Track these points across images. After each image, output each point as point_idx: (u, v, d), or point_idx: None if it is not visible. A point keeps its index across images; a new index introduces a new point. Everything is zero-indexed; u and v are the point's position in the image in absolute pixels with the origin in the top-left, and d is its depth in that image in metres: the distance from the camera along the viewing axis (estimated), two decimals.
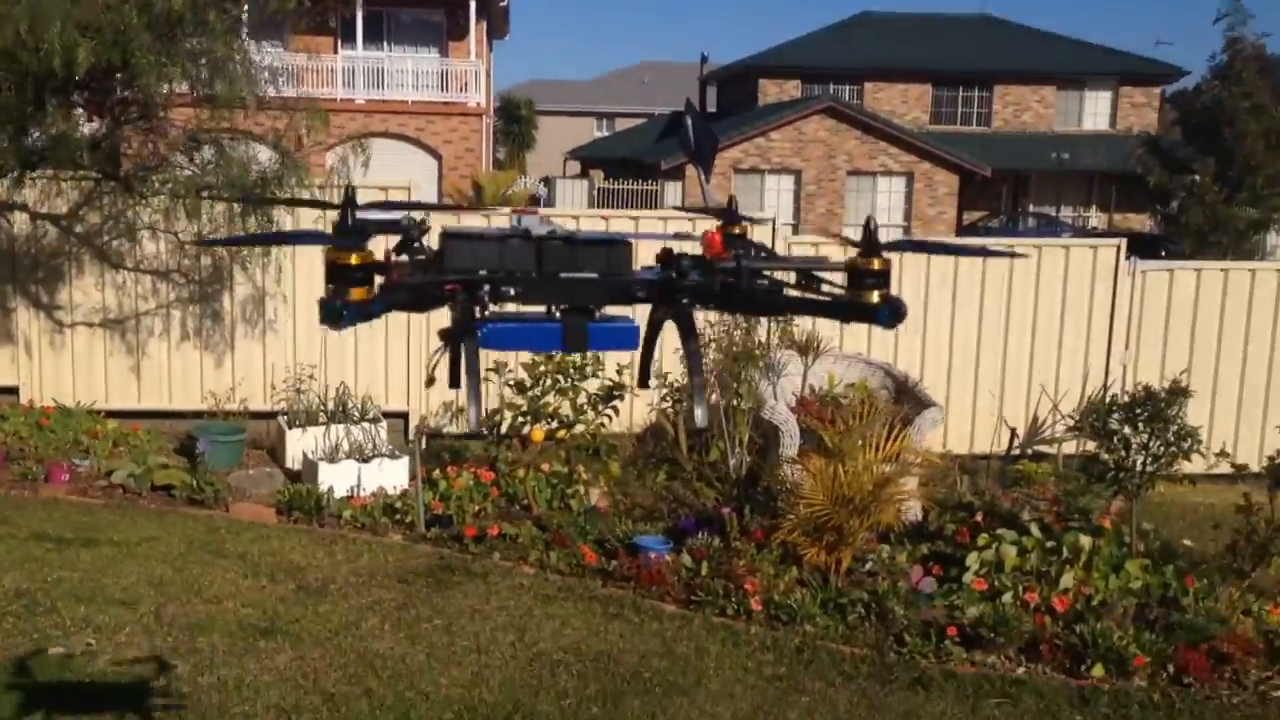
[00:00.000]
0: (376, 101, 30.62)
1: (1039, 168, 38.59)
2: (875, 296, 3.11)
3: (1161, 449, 7.36)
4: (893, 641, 6.78)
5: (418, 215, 3.75)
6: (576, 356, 9.52)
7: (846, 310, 3.23)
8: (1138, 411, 7.43)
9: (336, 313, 3.20)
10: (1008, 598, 7.13)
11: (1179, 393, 7.40)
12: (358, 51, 30.27)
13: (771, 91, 40.42)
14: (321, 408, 10.53)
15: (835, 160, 35.06)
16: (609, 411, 9.32)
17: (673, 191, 35.33)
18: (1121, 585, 7.27)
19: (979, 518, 8.09)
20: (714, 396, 10.70)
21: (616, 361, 9.44)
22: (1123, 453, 7.53)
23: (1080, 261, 11.44)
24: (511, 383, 9.45)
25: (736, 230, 4.02)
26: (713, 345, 10.94)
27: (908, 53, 40.14)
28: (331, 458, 9.67)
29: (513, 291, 3.56)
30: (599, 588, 7.49)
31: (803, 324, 9.85)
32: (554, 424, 9.18)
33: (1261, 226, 28.98)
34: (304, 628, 6.66)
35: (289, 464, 10.18)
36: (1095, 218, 39.56)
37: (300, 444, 10.12)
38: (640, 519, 8.71)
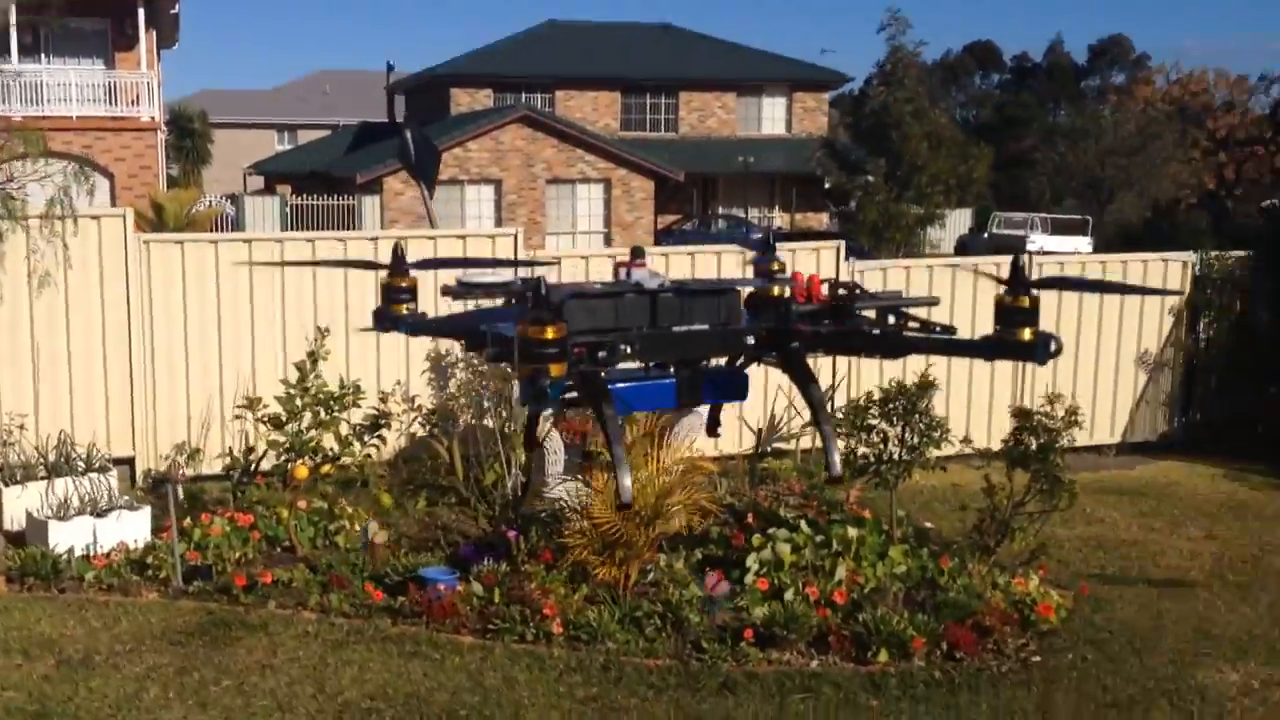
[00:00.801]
0: (34, 118, 28.31)
1: (726, 171, 40.36)
2: (1027, 334, 3.13)
3: (915, 439, 7.93)
4: (691, 650, 6.98)
5: (523, 271, 3.51)
6: (335, 386, 9.24)
7: (996, 349, 3.23)
8: (892, 406, 7.97)
9: (543, 393, 2.91)
10: (790, 594, 7.46)
11: (927, 386, 7.99)
12: (11, 64, 27.82)
13: (464, 101, 40.34)
14: (40, 459, 9.71)
15: (534, 169, 35.39)
16: (375, 441, 9.09)
17: (370, 206, 34.63)
18: (887, 571, 7.77)
19: (750, 519, 8.43)
20: (464, 419, 10.64)
21: (380, 390, 9.22)
22: (881, 446, 8.05)
23: (805, 262, 12.09)
24: (266, 419, 9.06)
25: (775, 266, 3.99)
26: (460, 365, 10.90)
27: (596, 61, 41.06)
28: (61, 514, 8.92)
29: (629, 350, 3.36)
30: (389, 627, 7.30)
31: None
32: (319, 458, 8.86)
33: (927, 222, 31.51)
34: (81, 707, 6.16)
35: (8, 525, 9.33)
36: (779, 218, 41.76)
37: (21, 501, 9.28)
38: (413, 550, 8.54)
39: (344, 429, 9.10)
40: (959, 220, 39.56)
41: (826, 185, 35.39)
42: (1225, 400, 12.91)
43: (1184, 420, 12.96)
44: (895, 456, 8.05)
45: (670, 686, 6.52)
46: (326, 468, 8.92)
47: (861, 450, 8.19)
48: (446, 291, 3.76)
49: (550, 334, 2.69)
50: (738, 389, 3.59)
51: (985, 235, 38.08)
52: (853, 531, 7.97)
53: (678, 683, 6.57)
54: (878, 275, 12.34)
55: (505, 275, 3.49)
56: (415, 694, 6.41)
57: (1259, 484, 11.26)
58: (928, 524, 9.06)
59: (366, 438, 9.15)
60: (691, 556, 8.27)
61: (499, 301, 3.79)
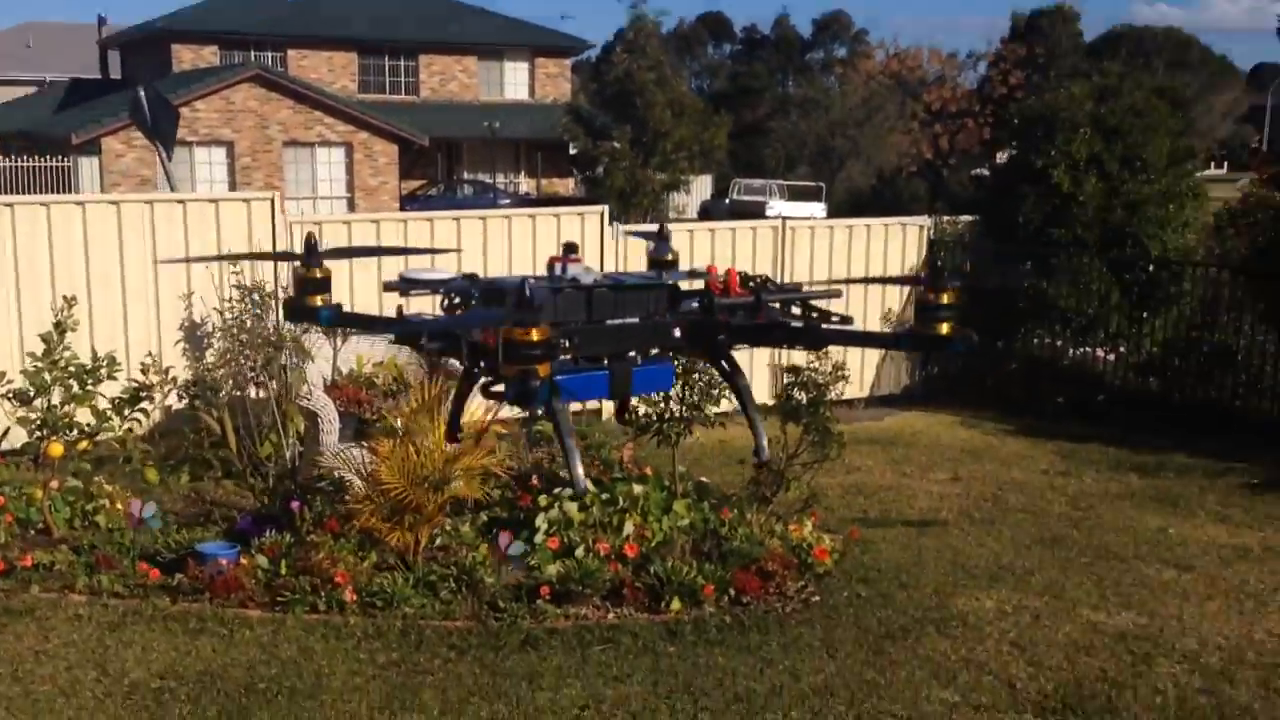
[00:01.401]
0: None
1: (470, 136, 39.98)
2: (945, 328, 3.27)
3: (695, 397, 8.19)
4: (488, 610, 7.03)
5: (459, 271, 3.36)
6: (87, 359, 8.72)
7: (915, 342, 3.38)
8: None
9: (533, 393, 2.80)
10: (581, 552, 7.61)
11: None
12: None
13: (186, 58, 38.34)
14: None
15: (269, 130, 34.06)
16: (137, 415, 8.65)
17: (89, 169, 32.52)
18: (673, 525, 8.03)
19: (534, 481, 8.52)
20: (226, 390, 10.25)
21: (140, 361, 8.76)
22: (663, 404, 8.28)
23: (570, 227, 12.22)
24: (11, 395, 8.45)
25: (669, 258, 4.01)
26: (219, 334, 10.48)
27: (330, 20, 39.76)
28: None
29: (568, 344, 3.30)
30: (169, 605, 7.00)
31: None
32: (74, 435, 8.35)
33: (672, 187, 32.35)
34: None
35: None
36: (525, 183, 41.79)
37: None
38: (185, 526, 8.20)
39: (101, 403, 8.60)
40: (701, 187, 40.67)
41: (572, 151, 35.67)
42: (959, 355, 13.89)
43: (924, 374, 13.88)
44: (677, 414, 8.29)
45: (472, 646, 6.55)
46: (83, 444, 8.41)
47: (644, 410, 8.39)
48: (390, 287, 3.69)
49: (535, 335, 2.72)
50: (666, 379, 3.71)
51: (726, 201, 39.32)
52: (638, 488, 8.19)
53: (479, 642, 6.61)
54: (640, 238, 12.60)
55: (446, 273, 3.46)
56: (208, 671, 6.20)
57: (991, 430, 12.21)
58: (703, 478, 9.38)
59: (127, 412, 8.68)
60: (477, 520, 8.31)
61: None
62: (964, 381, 13.64)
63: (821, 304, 4.09)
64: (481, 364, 3.42)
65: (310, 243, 3.75)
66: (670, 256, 4.05)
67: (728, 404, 8.75)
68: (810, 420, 8.23)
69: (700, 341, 3.83)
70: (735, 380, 3.99)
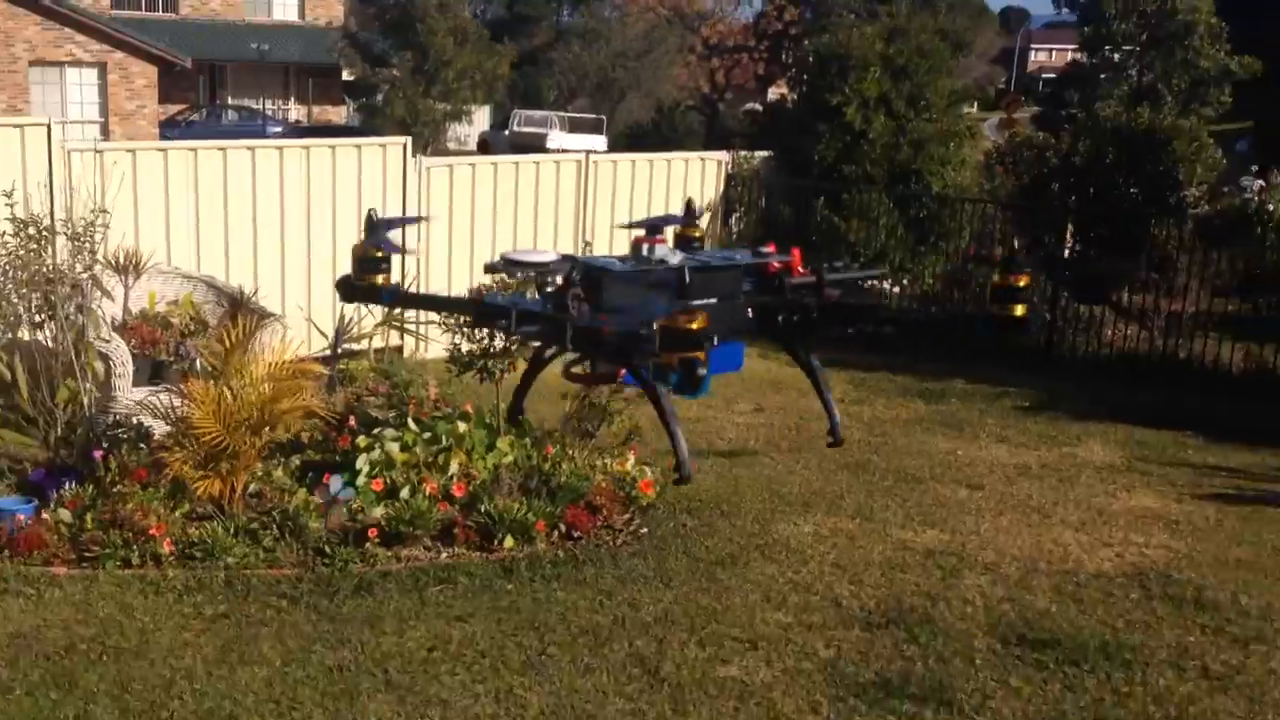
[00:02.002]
0: None
1: (235, 59, 38.08)
2: (1020, 310, 3.30)
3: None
4: (315, 556, 6.88)
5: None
6: None
7: (993, 325, 3.35)
8: None
9: (700, 381, 2.66)
10: (406, 492, 7.51)
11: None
12: None
13: None
14: None
15: (14, 49, 31.57)
16: None
17: None
18: (497, 462, 8.02)
19: (351, 421, 8.34)
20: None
21: None
22: (487, 341, 8.21)
23: (372, 160, 11.88)
24: None
25: (696, 233, 3.88)
26: None
27: None
28: None
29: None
30: None
31: (122, 239, 9.21)
32: None
33: (455, 118, 31.73)
34: None
35: None
36: (295, 110, 40.18)
37: None
38: None
39: None
40: (479, 118, 40.04)
41: (348, 77, 34.48)
42: None
43: None
44: (500, 350, 8.24)
45: (304, 594, 6.41)
46: None
47: (466, 347, 8.31)
48: (491, 269, 3.56)
49: (698, 324, 2.70)
50: (736, 358, 3.74)
51: (506, 133, 38.87)
52: (462, 426, 8.13)
53: (311, 589, 6.47)
54: (444, 173, 12.40)
55: (548, 254, 3.35)
56: (20, 634, 5.85)
57: (788, 362, 12.53)
58: (522, 416, 9.37)
59: None
60: (290, 464, 8.08)
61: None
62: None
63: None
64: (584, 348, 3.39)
65: (372, 221, 3.56)
66: (696, 232, 4.09)
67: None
68: None
69: (769, 322, 3.87)
70: (805, 359, 4.07)
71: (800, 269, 3.86)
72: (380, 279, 3.61)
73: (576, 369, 3.69)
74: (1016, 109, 33.04)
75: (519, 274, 3.68)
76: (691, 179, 14.01)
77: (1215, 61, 19.52)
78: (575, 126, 39.43)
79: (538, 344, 3.73)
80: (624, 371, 3.52)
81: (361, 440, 8.05)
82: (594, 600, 6.50)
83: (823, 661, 5.88)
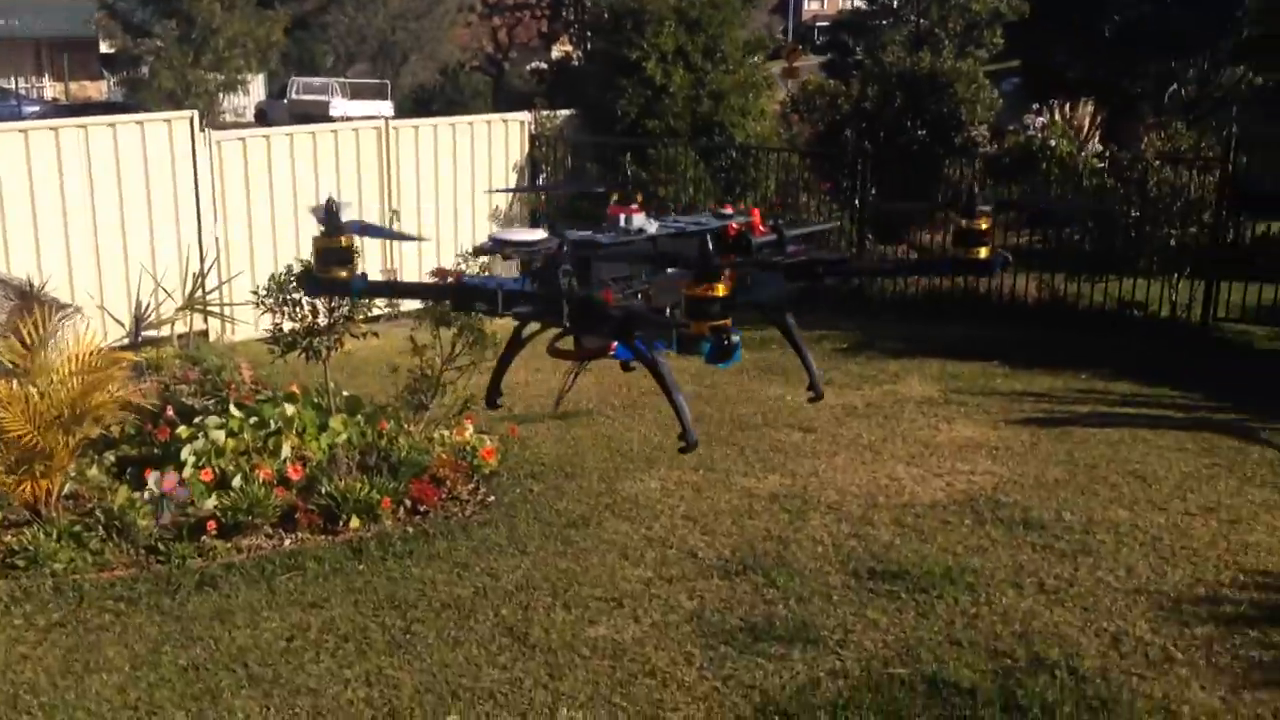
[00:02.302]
0: None
1: None
2: (984, 252, 3.27)
3: (345, 307, 7.90)
4: (148, 555, 6.55)
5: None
6: None
7: (958, 267, 3.32)
8: None
9: (731, 349, 2.57)
10: (239, 480, 7.21)
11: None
12: None
13: None
14: None
15: None
16: None
17: None
18: (331, 441, 7.78)
19: (169, 411, 7.95)
20: None
21: None
22: (310, 318, 7.91)
23: (157, 136, 11.26)
24: None
25: (614, 197, 3.70)
26: None
27: None
28: None
29: (642, 294, 3.01)
30: None
31: None
32: None
33: (229, 88, 30.33)
34: None
35: None
36: (50, 87, 37.71)
37: None
38: None
39: None
40: (255, 87, 38.40)
41: (107, 50, 32.52)
42: None
43: None
44: (325, 327, 7.97)
45: (143, 595, 6.09)
46: None
47: (288, 325, 7.99)
48: (481, 251, 3.35)
49: (721, 290, 2.61)
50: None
51: (285, 101, 37.46)
52: (290, 408, 7.85)
53: (150, 589, 6.15)
54: (237, 146, 11.87)
55: (537, 234, 3.20)
56: None
57: None
58: (345, 391, 9.11)
59: None
60: (104, 461, 7.66)
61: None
62: None
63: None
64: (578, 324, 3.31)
65: (332, 210, 3.31)
66: (615, 197, 4.02)
67: (377, 309, 8.58)
68: (464, 323, 8.18)
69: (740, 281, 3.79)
70: (779, 318, 4.02)
71: (761, 227, 3.88)
72: (345, 271, 3.44)
73: (561, 344, 3.62)
74: (797, 58, 33.78)
75: (512, 253, 3.56)
76: (495, 141, 13.82)
77: (986, 5, 20.48)
78: (358, 92, 38.27)
79: (517, 324, 3.65)
80: (615, 345, 3.47)
81: (183, 430, 7.68)
82: (451, 573, 6.40)
83: (688, 613, 5.95)
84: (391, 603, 6.04)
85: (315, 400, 8.24)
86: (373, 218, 12.63)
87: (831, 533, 6.93)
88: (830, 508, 7.32)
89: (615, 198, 3.98)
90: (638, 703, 5.13)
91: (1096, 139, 18.56)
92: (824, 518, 7.16)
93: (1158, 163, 11.70)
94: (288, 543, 6.80)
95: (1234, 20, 19.71)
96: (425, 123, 13.66)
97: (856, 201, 14.01)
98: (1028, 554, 6.60)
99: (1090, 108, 20.28)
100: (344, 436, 7.88)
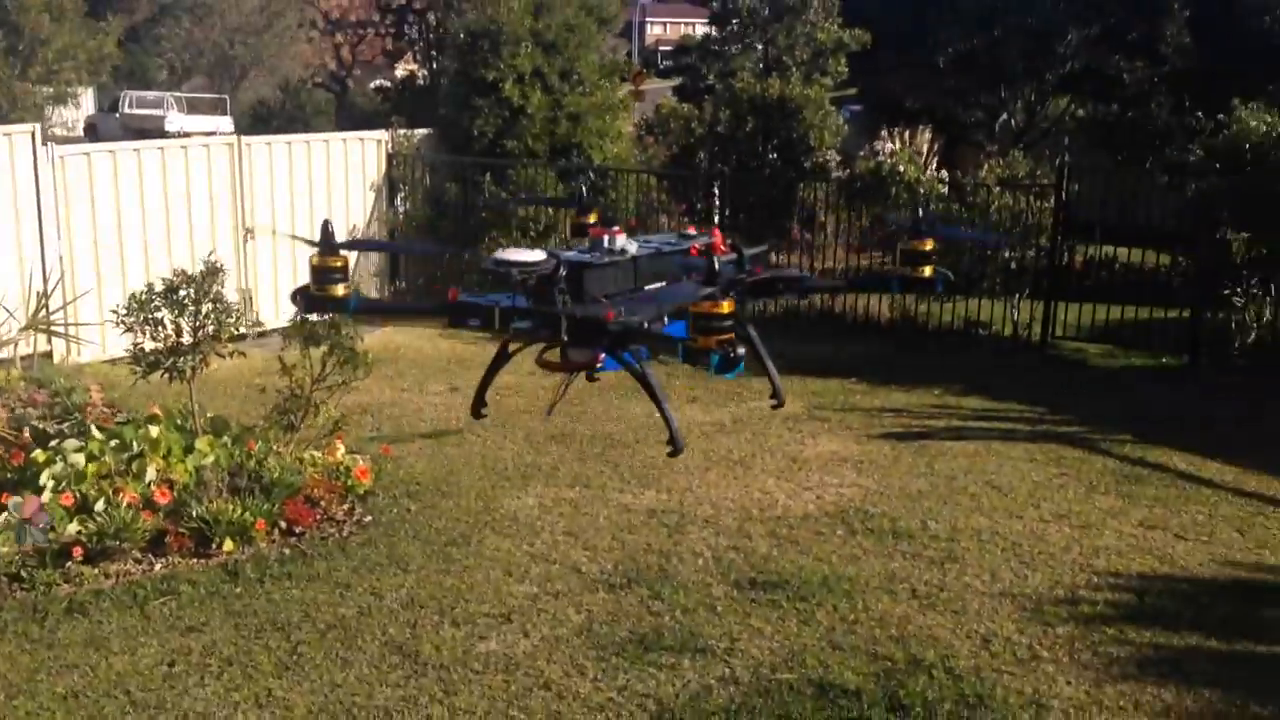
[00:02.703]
0: None
1: None
2: (928, 271, 3.57)
3: (212, 326, 7.70)
4: (10, 583, 6.28)
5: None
6: None
7: (905, 285, 3.56)
8: (180, 295, 7.63)
9: (737, 360, 2.60)
10: (102, 505, 6.97)
11: (215, 271, 7.77)
12: None
13: None
14: None
15: None
16: None
17: None
18: (198, 463, 7.57)
19: (25, 435, 7.64)
20: None
21: None
22: (174, 338, 7.69)
23: None
24: None
25: (592, 218, 3.75)
26: None
27: None
28: None
29: (627, 311, 3.15)
30: None
31: None
32: None
33: (59, 101, 29.13)
34: None
35: None
36: None
37: None
38: None
39: None
40: (85, 100, 36.95)
41: None
42: (429, 267, 14.17)
43: (393, 290, 13.98)
44: (189, 346, 7.75)
45: (8, 623, 5.84)
46: None
47: (150, 345, 7.75)
48: (484, 271, 3.39)
49: (726, 308, 2.75)
50: (683, 333, 3.84)
51: (117, 115, 36.14)
52: (154, 430, 7.62)
53: (16, 618, 5.90)
54: (81, 162, 11.45)
55: (537, 254, 3.26)
56: None
57: (470, 339, 12.57)
58: (210, 412, 8.89)
59: None
60: None
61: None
62: (436, 293, 13.93)
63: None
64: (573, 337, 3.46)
65: (327, 232, 3.33)
66: (593, 219, 4.24)
67: (244, 327, 8.40)
68: (334, 341, 8.07)
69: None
70: (744, 331, 4.17)
71: (721, 248, 4.07)
72: (341, 289, 3.51)
73: (549, 356, 3.74)
74: (643, 82, 34.30)
75: (513, 273, 3.64)
76: (352, 160, 13.66)
77: (830, 35, 21.15)
78: (194, 107, 37.21)
79: (505, 338, 3.79)
80: (602, 356, 3.62)
81: (40, 454, 7.39)
82: (333, 593, 6.31)
83: (577, 626, 6.00)
84: (274, 625, 5.93)
85: (178, 422, 8.03)
86: (225, 237, 12.37)
87: (710, 545, 7.08)
88: (707, 521, 7.47)
89: (594, 219, 4.17)
90: (535, 715, 5.16)
91: (935, 164, 19.36)
92: (702, 531, 7.30)
93: (998, 188, 12.30)
94: (159, 567, 6.60)
95: (1057, 55, 20.84)
96: (280, 140, 13.41)
97: (717, 221, 14.34)
98: (899, 562, 6.87)
99: (928, 135, 21.18)
100: (211, 458, 7.68)
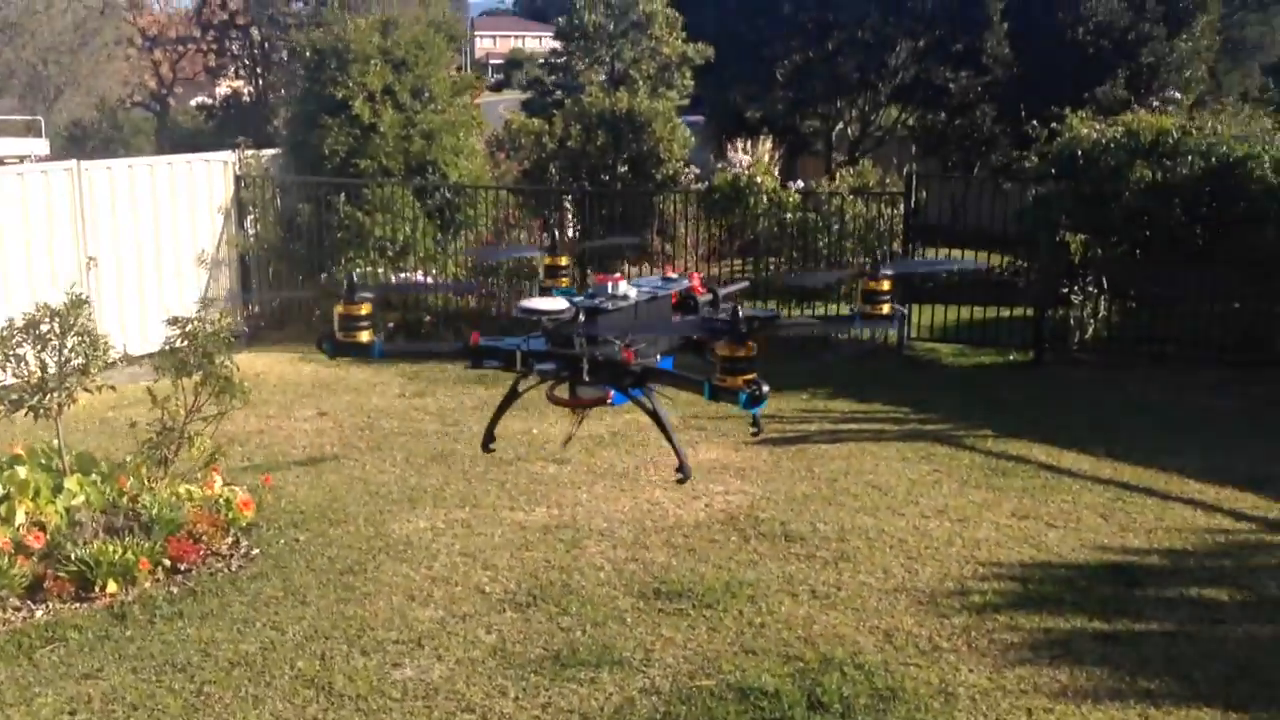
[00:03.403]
0: None
1: None
2: (886, 309, 4.01)
3: (79, 360, 7.36)
4: None
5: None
6: None
7: (867, 321, 3.79)
8: (44, 330, 7.29)
9: (763, 398, 3.17)
10: None
11: (80, 303, 7.44)
12: None
13: None
14: None
15: None
16: None
17: None
18: (68, 504, 7.25)
19: None
20: None
21: None
22: (39, 374, 7.33)
23: None
24: None
25: (563, 262, 3.94)
26: None
27: None
28: None
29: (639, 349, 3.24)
30: None
31: None
32: None
33: None
34: None
35: None
36: None
37: None
38: None
39: None
40: None
41: None
42: (282, 290, 13.83)
43: (246, 314, 13.59)
44: (54, 383, 7.40)
45: None
46: None
47: (11, 381, 7.38)
48: (519, 315, 3.42)
49: (750, 351, 2.96)
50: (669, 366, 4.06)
51: None
52: (21, 471, 7.27)
53: None
54: None
55: (560, 303, 3.54)
56: None
57: (332, 363, 12.34)
58: (74, 450, 8.50)
59: None
60: None
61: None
62: (291, 317, 13.64)
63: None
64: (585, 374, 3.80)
65: (351, 282, 3.41)
66: (564, 262, 4.54)
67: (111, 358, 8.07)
68: (208, 371, 7.82)
69: (688, 339, 4.28)
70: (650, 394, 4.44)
71: (699, 290, 4.34)
72: (366, 335, 3.64)
73: (558, 393, 3.88)
74: (478, 96, 34.14)
75: (544, 320, 3.80)
76: (198, 182, 13.23)
77: (675, 49, 21.46)
78: (3, 129, 35.32)
79: (515, 376, 3.96)
80: (612, 393, 3.83)
81: None
82: (231, 630, 6.13)
83: (490, 647, 5.97)
84: (174, 666, 5.73)
85: (42, 461, 7.67)
86: (66, 265, 11.85)
87: (610, 558, 7.12)
88: (602, 535, 7.51)
89: (565, 262, 4.46)
90: None
91: (777, 174, 19.83)
92: (599, 544, 7.34)
93: (851, 196, 12.71)
94: (40, 614, 6.30)
95: (889, 67, 21.62)
96: (120, 164, 12.89)
97: (574, 236, 14.42)
98: (795, 564, 7.04)
99: (769, 144, 21.69)
100: (81, 497, 7.36)
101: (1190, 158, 11.41)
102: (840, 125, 22.08)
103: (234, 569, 6.93)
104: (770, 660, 5.82)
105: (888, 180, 13.06)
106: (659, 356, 4.05)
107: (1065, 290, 12.11)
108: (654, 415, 4.06)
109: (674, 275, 4.50)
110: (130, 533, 6.99)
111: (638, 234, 14.64)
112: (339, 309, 3.77)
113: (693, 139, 17.47)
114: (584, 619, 6.28)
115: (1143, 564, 7.04)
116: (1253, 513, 7.86)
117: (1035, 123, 12.43)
